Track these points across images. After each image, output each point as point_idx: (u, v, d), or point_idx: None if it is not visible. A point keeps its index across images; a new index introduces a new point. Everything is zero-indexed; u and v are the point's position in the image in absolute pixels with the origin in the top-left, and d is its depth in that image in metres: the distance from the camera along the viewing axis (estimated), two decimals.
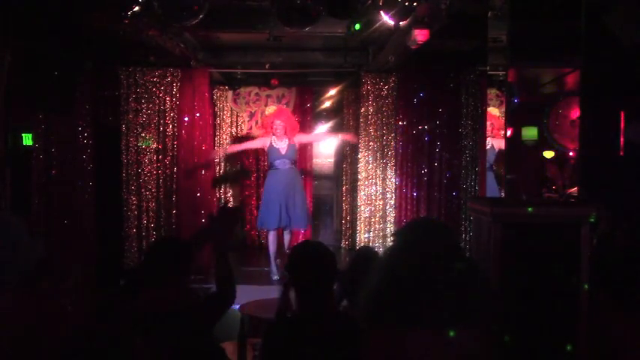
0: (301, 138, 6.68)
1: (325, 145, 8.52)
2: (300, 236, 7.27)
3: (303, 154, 8.18)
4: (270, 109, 7.03)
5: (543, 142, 4.18)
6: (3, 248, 2.12)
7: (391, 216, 6.97)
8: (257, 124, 8.15)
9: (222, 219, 2.60)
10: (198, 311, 2.54)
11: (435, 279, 1.53)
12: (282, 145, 6.35)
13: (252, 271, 6.89)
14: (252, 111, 8.24)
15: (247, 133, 8.26)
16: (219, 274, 2.64)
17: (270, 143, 6.38)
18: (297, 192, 6.32)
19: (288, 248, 6.32)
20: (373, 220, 7.00)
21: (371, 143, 7.04)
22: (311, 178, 8.27)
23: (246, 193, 8.13)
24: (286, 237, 6.53)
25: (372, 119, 7.02)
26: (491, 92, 6.88)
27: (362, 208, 7.05)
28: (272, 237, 6.35)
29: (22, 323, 2.11)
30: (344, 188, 8.19)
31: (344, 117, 8.14)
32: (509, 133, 4.14)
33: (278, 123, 6.35)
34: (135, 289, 2.55)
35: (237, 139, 8.05)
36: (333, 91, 7.97)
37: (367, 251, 3.60)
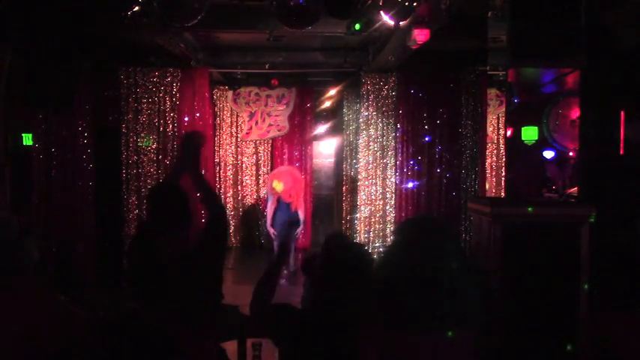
0: (300, 206, 7.10)
1: (325, 145, 8.52)
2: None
3: (303, 154, 8.20)
4: (278, 185, 7.06)
5: (543, 142, 4.18)
6: None
7: (391, 216, 6.96)
8: (257, 124, 8.16)
9: (188, 144, 2.82)
10: (203, 245, 2.62)
11: (433, 279, 1.53)
12: (285, 202, 6.99)
13: (252, 271, 6.89)
14: (252, 111, 8.24)
15: (247, 133, 8.27)
16: (202, 192, 2.75)
17: (279, 200, 7.03)
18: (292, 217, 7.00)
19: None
20: (373, 220, 7.00)
21: (371, 143, 7.03)
22: (311, 178, 8.27)
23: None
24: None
25: (372, 119, 7.02)
26: (491, 92, 6.90)
27: (362, 208, 7.05)
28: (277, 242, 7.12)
29: (24, 323, 2.11)
30: (344, 188, 8.19)
31: (344, 117, 8.16)
32: (509, 133, 4.14)
33: (284, 195, 6.97)
34: (151, 241, 2.56)
35: (238, 142, 8.12)
36: (333, 91, 7.97)
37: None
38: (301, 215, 7.16)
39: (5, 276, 2.18)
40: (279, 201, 7.10)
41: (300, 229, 7.22)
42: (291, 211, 7.07)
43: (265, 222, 7.72)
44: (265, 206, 7.64)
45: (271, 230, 7.20)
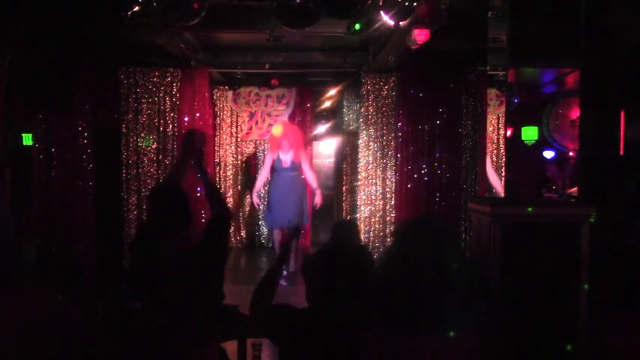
0: (302, 157, 6.85)
1: (325, 145, 8.52)
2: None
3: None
4: (277, 129, 6.91)
5: (543, 142, 4.18)
6: None
7: (391, 216, 6.96)
8: (257, 124, 8.16)
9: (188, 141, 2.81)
10: (205, 244, 2.63)
11: (433, 280, 1.53)
12: (286, 158, 6.75)
13: (252, 271, 6.89)
14: (252, 111, 8.24)
15: (247, 133, 8.27)
16: (207, 190, 2.81)
17: (278, 155, 6.76)
18: (296, 196, 6.74)
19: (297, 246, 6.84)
20: (373, 220, 7.00)
21: (371, 143, 7.03)
22: None
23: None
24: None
25: (372, 119, 7.01)
26: (491, 92, 6.89)
27: (362, 208, 7.05)
28: (276, 235, 6.89)
29: (22, 322, 2.11)
30: (344, 188, 8.19)
31: (344, 117, 8.17)
32: (509, 133, 4.14)
33: (285, 143, 6.74)
34: (152, 241, 2.56)
35: (238, 142, 8.13)
36: (333, 91, 7.97)
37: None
38: (308, 173, 6.78)
39: (2, 276, 2.19)
40: (278, 157, 6.74)
41: (317, 197, 6.74)
42: (293, 164, 6.72)
43: (262, 218, 7.64)
44: (263, 204, 7.52)
45: (256, 200, 6.99)
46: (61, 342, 2.15)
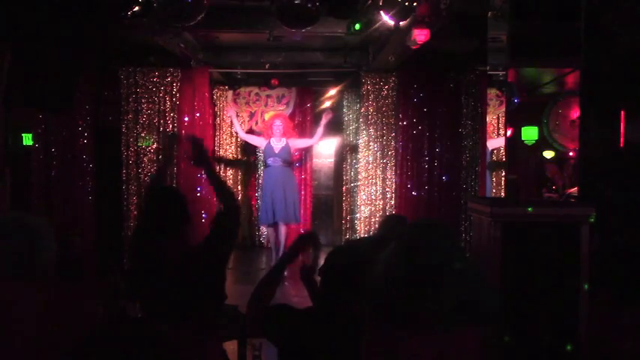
0: (296, 143, 7.10)
1: (325, 145, 8.52)
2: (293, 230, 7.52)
3: (303, 154, 8.20)
4: (269, 113, 7.24)
5: (543, 142, 4.19)
6: (21, 247, 2.14)
7: None
8: (257, 124, 8.16)
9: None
10: (210, 242, 2.61)
11: (434, 280, 1.53)
12: (277, 145, 6.86)
13: (251, 271, 6.89)
14: (252, 111, 8.23)
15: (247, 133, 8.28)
16: (216, 187, 2.78)
17: (268, 142, 6.90)
18: (287, 189, 6.79)
19: (284, 241, 6.77)
20: (373, 220, 6.99)
21: (371, 143, 7.03)
22: (311, 178, 8.27)
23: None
24: (282, 229, 6.79)
25: (372, 119, 7.02)
26: (491, 92, 6.90)
27: (362, 208, 7.05)
28: (270, 232, 7.01)
29: (45, 319, 2.11)
30: (344, 188, 8.19)
31: (344, 117, 8.16)
32: (509, 133, 4.15)
33: (277, 124, 6.90)
34: (151, 241, 2.54)
35: (238, 142, 8.14)
36: (333, 91, 7.96)
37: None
38: (308, 142, 7.20)
39: (29, 275, 2.18)
40: (269, 144, 6.82)
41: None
42: (284, 151, 6.76)
43: (259, 218, 7.58)
44: (261, 201, 7.43)
45: (232, 114, 7.40)
46: (79, 341, 2.15)
